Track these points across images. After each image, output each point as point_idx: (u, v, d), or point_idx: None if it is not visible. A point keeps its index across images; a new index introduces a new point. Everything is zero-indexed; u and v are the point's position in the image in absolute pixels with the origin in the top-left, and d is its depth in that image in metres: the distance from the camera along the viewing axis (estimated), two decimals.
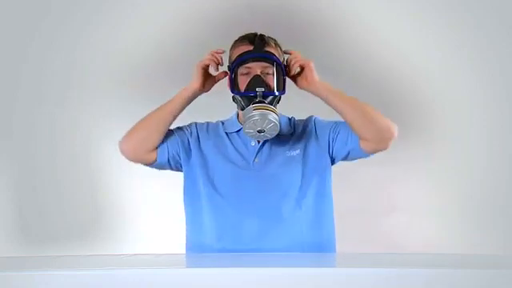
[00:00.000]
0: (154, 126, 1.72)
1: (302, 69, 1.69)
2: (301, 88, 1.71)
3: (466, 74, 2.28)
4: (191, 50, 2.25)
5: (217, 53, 1.69)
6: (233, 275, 1.24)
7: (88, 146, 2.29)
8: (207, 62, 1.68)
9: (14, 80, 2.27)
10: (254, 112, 1.57)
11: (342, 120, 1.71)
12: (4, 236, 2.26)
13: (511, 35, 2.24)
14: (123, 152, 1.74)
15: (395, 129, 1.68)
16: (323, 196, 1.72)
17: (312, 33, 2.28)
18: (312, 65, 1.69)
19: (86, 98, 2.29)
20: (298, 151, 1.72)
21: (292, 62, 1.69)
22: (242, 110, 1.65)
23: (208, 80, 1.72)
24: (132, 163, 2.24)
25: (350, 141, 1.71)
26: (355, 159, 1.78)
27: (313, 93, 1.70)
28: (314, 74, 1.69)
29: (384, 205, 2.30)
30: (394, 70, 2.29)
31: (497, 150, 2.28)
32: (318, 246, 1.68)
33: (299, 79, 1.70)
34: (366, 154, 1.73)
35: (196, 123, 1.83)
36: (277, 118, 1.58)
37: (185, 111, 2.31)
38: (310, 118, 1.82)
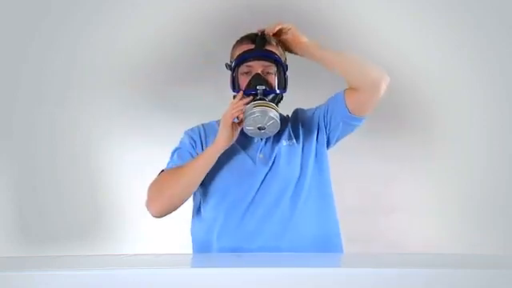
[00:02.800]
0: (185, 185, 1.65)
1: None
2: (291, 53, 1.74)
3: (466, 74, 2.28)
4: (191, 50, 2.26)
5: (239, 101, 1.63)
6: (233, 275, 1.24)
7: (88, 146, 2.29)
8: (236, 115, 1.61)
9: (14, 80, 2.27)
10: (255, 109, 1.57)
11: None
12: (4, 236, 2.26)
13: (511, 35, 2.24)
14: (152, 212, 1.68)
15: (386, 74, 1.69)
16: (323, 184, 1.73)
17: (312, 33, 2.27)
18: (293, 28, 1.72)
19: (85, 98, 2.28)
20: (294, 141, 1.72)
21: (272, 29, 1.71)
22: None
23: (235, 131, 1.66)
24: (133, 163, 2.27)
25: (341, 108, 1.70)
26: (351, 130, 1.76)
27: (304, 54, 1.73)
28: (299, 36, 1.72)
29: (384, 205, 2.30)
30: (394, 70, 2.28)
31: (497, 150, 2.28)
32: (326, 235, 1.68)
33: (288, 45, 1.73)
34: (360, 118, 1.72)
35: (188, 133, 1.78)
36: (277, 115, 1.58)
37: (185, 112, 2.32)
38: (295, 110, 1.84)
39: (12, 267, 1.35)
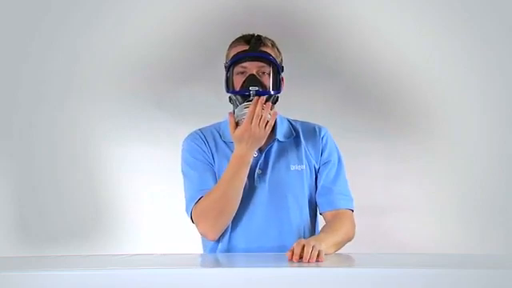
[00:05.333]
0: (235, 200, 1.62)
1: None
2: None
3: (466, 74, 2.28)
4: (191, 50, 2.26)
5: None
6: (233, 275, 1.24)
7: (88, 146, 2.29)
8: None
9: (14, 80, 2.27)
10: (245, 110, 1.56)
11: (337, 165, 1.73)
12: (4, 236, 2.26)
13: (511, 35, 2.24)
14: (211, 239, 1.66)
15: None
16: (315, 205, 1.74)
17: (312, 33, 2.28)
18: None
19: (85, 98, 2.29)
20: (303, 166, 1.69)
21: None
22: None
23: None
24: (133, 163, 2.27)
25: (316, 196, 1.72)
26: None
27: None
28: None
29: (384, 205, 2.30)
30: (394, 70, 2.29)
31: (497, 150, 2.28)
32: None
33: None
34: None
35: (193, 141, 1.74)
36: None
37: (185, 112, 2.31)
38: (321, 129, 1.76)
39: (12, 267, 1.35)
